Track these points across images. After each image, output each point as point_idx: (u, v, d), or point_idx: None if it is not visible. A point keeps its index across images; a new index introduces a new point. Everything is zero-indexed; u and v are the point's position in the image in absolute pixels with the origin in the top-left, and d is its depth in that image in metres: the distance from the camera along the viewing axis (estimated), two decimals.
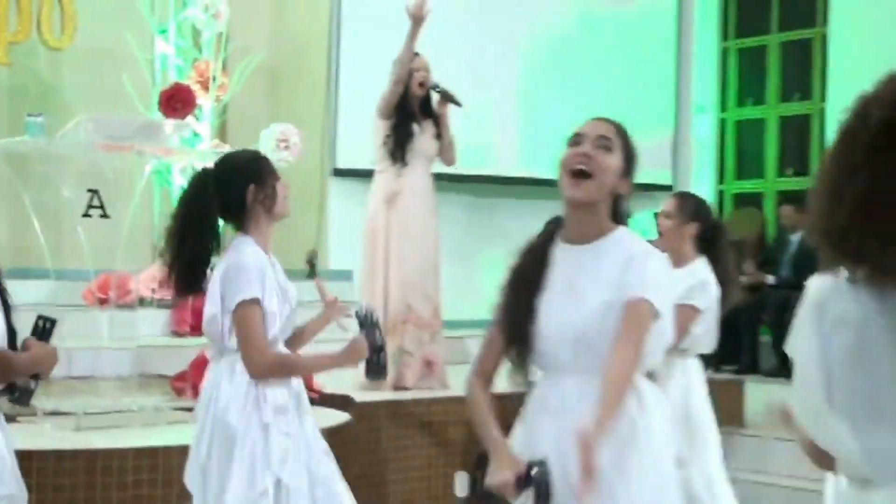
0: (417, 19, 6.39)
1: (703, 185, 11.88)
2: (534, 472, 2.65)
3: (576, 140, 2.83)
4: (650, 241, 3.22)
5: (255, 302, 3.70)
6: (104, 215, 6.33)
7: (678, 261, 4.72)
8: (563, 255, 2.88)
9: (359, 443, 5.74)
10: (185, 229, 3.79)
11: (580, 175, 2.76)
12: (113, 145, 7.04)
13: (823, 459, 2.08)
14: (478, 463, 2.85)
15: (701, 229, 4.92)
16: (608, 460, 2.62)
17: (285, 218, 3.97)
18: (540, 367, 2.91)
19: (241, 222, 3.81)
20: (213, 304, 3.78)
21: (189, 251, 3.79)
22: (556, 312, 2.82)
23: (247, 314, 3.68)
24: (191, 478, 3.78)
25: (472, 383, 3.01)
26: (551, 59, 10.33)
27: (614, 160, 2.84)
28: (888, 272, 1.89)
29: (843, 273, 1.97)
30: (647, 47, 11.37)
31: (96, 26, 8.02)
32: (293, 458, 3.66)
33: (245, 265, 3.76)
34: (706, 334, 4.90)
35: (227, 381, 3.74)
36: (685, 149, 11.79)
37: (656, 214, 5.14)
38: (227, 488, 3.63)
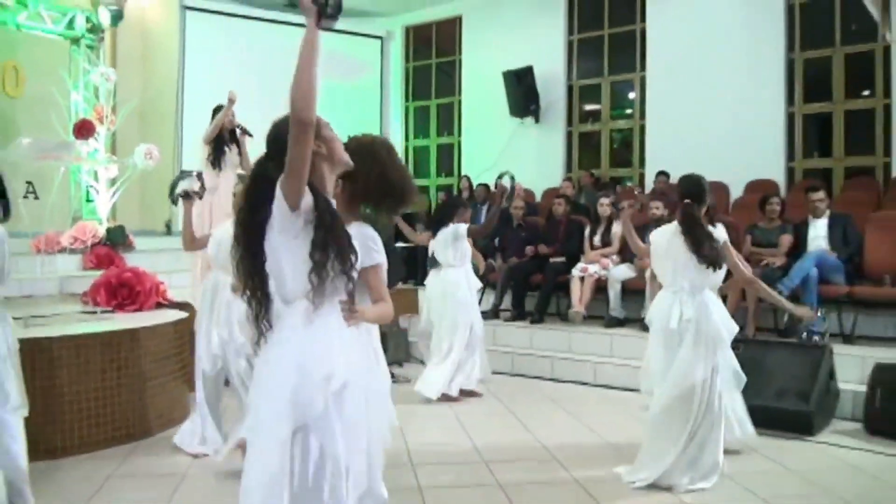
0: (231, 101, 6.27)
1: None
2: None
3: None
4: None
5: None
6: (36, 197, 6.25)
7: None
8: None
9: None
10: None
11: None
12: (42, 156, 6.93)
13: None
14: None
15: None
16: None
17: None
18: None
19: None
20: None
21: None
22: None
23: None
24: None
25: None
26: None
27: None
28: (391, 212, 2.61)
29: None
30: (362, 104, 11.50)
31: (36, 83, 7.80)
32: None
33: None
34: None
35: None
36: None
37: None
38: None
